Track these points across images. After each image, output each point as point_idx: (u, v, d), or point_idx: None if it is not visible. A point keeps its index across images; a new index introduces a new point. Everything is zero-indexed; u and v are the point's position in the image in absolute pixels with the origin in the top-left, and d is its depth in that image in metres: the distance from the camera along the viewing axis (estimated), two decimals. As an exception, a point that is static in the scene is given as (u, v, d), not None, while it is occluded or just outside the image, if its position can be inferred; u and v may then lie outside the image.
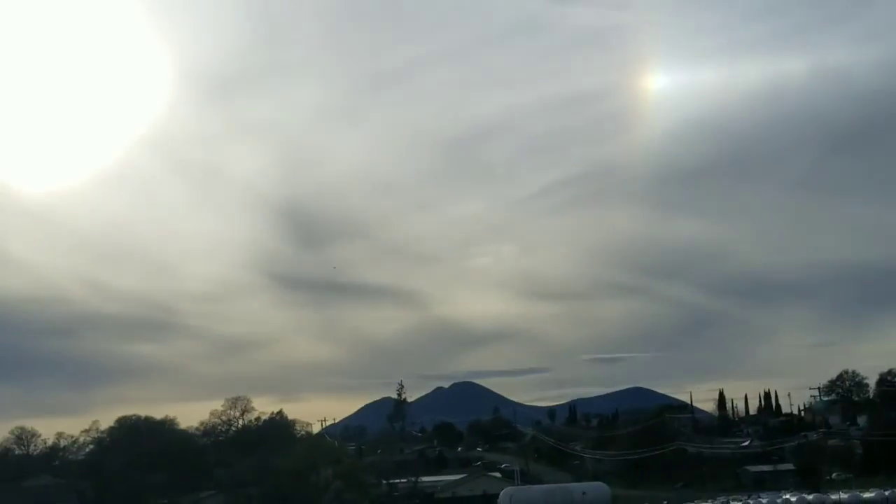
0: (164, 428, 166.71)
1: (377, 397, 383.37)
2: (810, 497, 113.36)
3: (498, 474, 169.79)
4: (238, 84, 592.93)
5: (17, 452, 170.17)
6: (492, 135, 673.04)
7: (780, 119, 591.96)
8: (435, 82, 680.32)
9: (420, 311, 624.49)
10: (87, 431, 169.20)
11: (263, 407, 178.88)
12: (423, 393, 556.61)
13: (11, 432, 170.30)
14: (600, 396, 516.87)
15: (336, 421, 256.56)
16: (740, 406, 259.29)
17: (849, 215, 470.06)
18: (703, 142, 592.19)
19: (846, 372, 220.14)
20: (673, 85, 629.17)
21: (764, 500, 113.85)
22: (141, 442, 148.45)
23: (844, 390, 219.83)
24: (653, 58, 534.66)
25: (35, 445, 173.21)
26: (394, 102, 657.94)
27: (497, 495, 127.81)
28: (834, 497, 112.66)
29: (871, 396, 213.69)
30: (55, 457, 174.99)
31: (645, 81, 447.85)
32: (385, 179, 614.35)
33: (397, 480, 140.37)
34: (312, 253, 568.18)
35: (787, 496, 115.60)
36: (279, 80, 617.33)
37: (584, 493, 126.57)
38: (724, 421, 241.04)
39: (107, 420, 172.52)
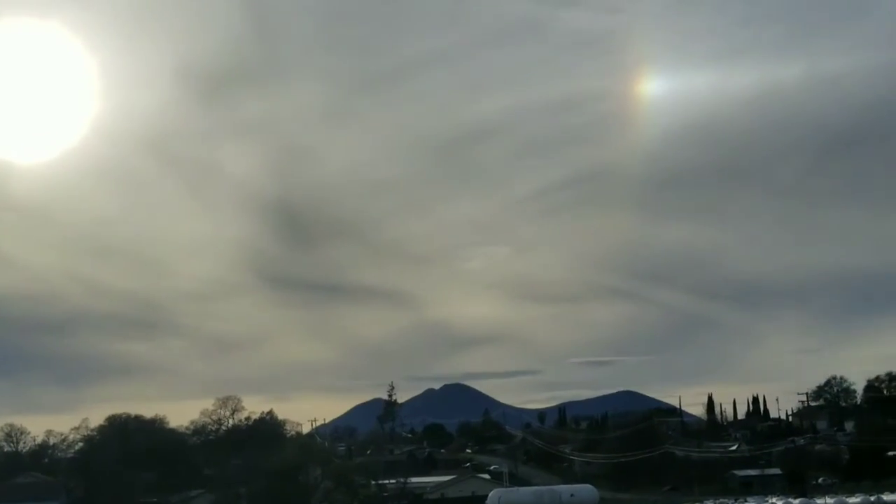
0: (154, 426, 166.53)
1: (368, 398, 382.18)
2: (796, 501, 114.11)
3: (487, 476, 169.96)
4: (232, 82, 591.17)
5: (6, 450, 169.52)
6: (486, 136, 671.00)
7: (772, 125, 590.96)
8: (430, 83, 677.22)
9: (412, 312, 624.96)
10: (76, 429, 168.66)
11: (254, 406, 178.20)
12: (413, 394, 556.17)
13: (1, 429, 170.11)
14: (590, 399, 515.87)
15: (326, 421, 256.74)
16: (729, 410, 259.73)
17: (839, 221, 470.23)
18: (696, 146, 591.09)
19: (834, 377, 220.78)
20: (666, 89, 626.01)
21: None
22: (130, 440, 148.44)
23: (832, 396, 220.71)
24: (646, 62, 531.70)
25: (24, 443, 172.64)
26: (388, 103, 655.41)
27: (486, 497, 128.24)
28: (820, 501, 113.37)
29: (859, 402, 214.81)
30: (44, 454, 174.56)
31: (638, 86, 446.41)
32: (379, 180, 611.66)
33: (386, 481, 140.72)
34: (305, 253, 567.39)
35: (774, 500, 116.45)
36: (274, 79, 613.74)
37: (572, 496, 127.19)
38: (713, 425, 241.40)
39: (96, 418, 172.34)
